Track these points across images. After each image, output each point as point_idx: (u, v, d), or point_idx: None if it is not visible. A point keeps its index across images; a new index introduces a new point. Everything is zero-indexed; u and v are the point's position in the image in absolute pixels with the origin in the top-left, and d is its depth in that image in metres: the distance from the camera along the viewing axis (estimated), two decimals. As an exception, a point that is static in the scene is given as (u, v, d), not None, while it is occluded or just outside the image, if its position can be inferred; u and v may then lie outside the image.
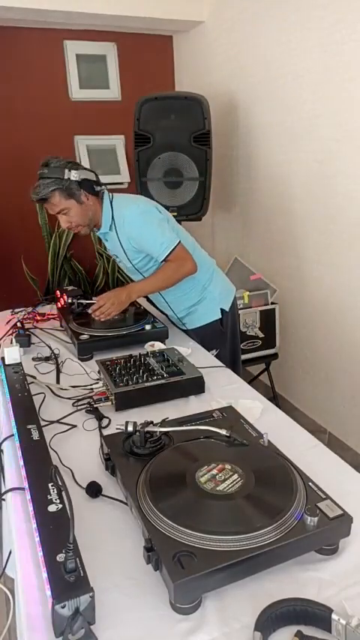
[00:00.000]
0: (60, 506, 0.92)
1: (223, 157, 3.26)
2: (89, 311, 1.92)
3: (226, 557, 0.81)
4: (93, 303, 1.94)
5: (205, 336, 2.05)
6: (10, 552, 1.02)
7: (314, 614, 0.77)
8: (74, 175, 1.78)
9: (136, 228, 1.86)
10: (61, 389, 1.56)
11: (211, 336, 2.07)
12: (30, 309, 2.19)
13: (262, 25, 2.72)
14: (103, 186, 1.89)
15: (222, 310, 2.09)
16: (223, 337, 2.11)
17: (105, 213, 1.90)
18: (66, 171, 1.77)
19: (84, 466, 1.17)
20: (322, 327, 2.69)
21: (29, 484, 1.01)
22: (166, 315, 2.22)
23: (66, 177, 1.77)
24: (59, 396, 1.52)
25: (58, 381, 1.62)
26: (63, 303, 2.08)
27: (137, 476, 1.02)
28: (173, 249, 1.85)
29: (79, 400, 1.47)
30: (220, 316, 2.09)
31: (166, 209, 3.00)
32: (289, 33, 2.53)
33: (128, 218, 1.87)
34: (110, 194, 1.92)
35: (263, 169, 2.96)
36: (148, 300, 2.34)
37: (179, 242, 1.87)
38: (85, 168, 1.84)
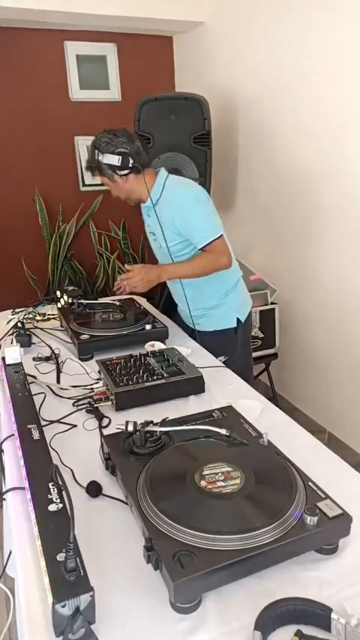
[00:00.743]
0: (60, 505, 0.92)
1: (223, 157, 3.26)
2: (118, 278, 1.92)
3: (226, 557, 0.81)
4: (94, 304, 1.94)
5: (216, 342, 2.04)
6: (10, 552, 1.02)
7: (314, 613, 0.77)
8: (100, 157, 1.86)
9: (185, 209, 1.88)
10: (62, 389, 1.56)
11: (223, 343, 2.07)
12: (30, 309, 2.19)
13: (262, 25, 2.73)
14: (135, 166, 1.88)
15: (238, 320, 2.10)
16: (233, 346, 2.12)
17: (155, 190, 1.93)
18: (96, 152, 1.85)
19: (84, 466, 1.18)
20: (322, 327, 2.70)
21: (29, 484, 1.01)
22: (174, 312, 2.22)
23: (96, 158, 1.87)
24: (59, 396, 1.52)
25: (58, 381, 1.62)
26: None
27: (137, 475, 1.02)
28: (214, 240, 1.87)
29: (79, 400, 1.47)
30: (236, 325, 2.10)
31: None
32: (289, 33, 2.54)
33: (179, 197, 1.89)
34: (166, 173, 1.96)
35: (263, 169, 2.97)
36: (149, 299, 2.34)
37: (221, 235, 1.89)
38: (116, 151, 1.84)
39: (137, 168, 1.88)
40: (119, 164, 1.85)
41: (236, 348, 2.12)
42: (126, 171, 1.87)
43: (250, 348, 2.29)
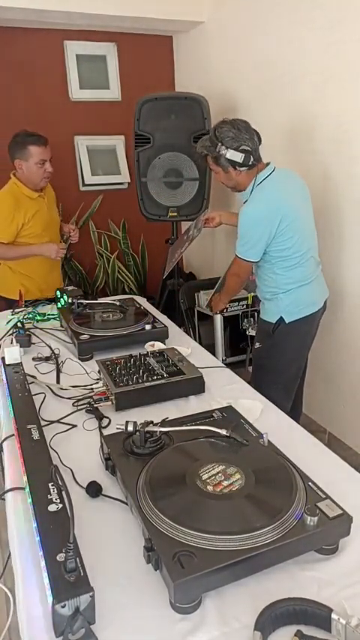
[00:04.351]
0: (60, 505, 0.92)
1: (223, 157, 3.26)
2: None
3: (226, 557, 0.81)
4: (93, 304, 1.94)
5: (259, 328, 2.26)
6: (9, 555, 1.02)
7: (314, 613, 0.77)
8: (223, 152, 1.92)
9: (240, 222, 1.98)
10: (62, 389, 1.56)
11: (261, 331, 2.23)
12: (30, 309, 2.19)
13: (262, 25, 2.72)
14: (254, 163, 1.95)
15: (282, 318, 2.10)
16: (268, 338, 2.17)
17: (248, 191, 2.01)
18: (219, 144, 1.92)
19: (84, 466, 1.18)
20: (322, 327, 2.69)
21: (29, 484, 1.01)
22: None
23: (217, 150, 1.93)
24: (59, 396, 1.52)
25: (58, 381, 1.62)
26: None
27: (137, 476, 1.02)
28: (240, 258, 2.02)
29: (79, 400, 1.47)
30: (277, 322, 2.11)
31: (166, 209, 3.03)
32: (289, 33, 2.53)
33: (242, 212, 1.97)
34: (268, 173, 1.98)
35: (263, 169, 2.96)
36: (149, 299, 2.34)
37: (248, 260, 2.01)
38: (241, 148, 1.91)
39: (254, 165, 1.96)
40: (241, 161, 1.93)
41: (269, 342, 2.17)
42: (245, 168, 1.96)
43: (298, 358, 2.25)
